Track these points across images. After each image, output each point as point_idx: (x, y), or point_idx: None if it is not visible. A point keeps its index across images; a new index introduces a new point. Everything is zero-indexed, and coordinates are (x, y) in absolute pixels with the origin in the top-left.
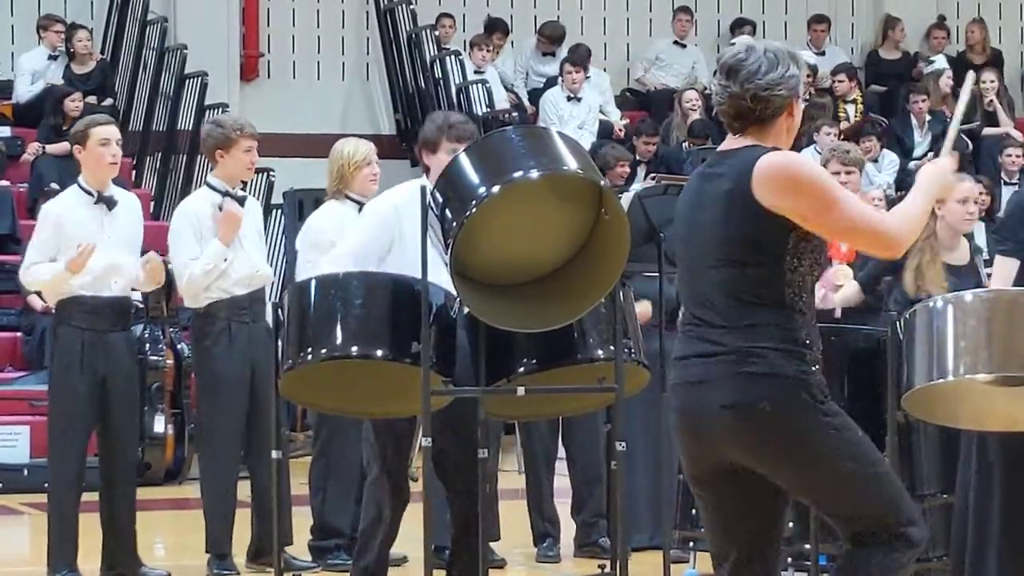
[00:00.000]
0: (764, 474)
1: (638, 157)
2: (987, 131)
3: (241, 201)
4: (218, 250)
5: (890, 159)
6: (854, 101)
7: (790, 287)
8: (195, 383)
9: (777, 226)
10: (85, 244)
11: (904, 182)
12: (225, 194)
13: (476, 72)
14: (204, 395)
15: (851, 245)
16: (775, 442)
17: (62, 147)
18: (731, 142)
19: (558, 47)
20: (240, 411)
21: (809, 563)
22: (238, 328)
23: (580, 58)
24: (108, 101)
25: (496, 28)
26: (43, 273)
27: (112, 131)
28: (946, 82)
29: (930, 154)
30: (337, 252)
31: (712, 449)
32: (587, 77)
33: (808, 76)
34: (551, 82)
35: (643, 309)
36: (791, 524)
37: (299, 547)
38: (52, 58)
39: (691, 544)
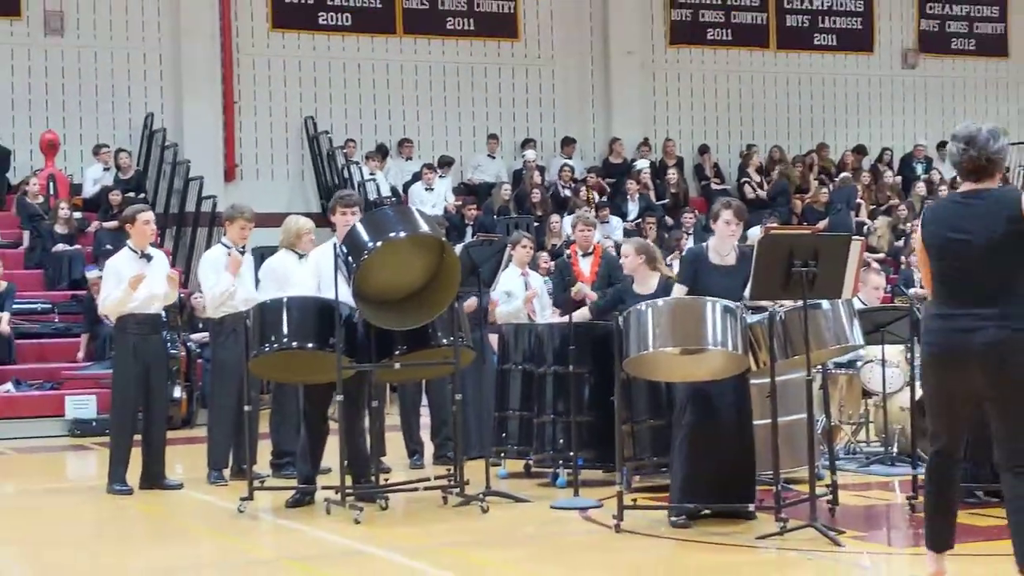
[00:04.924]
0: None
1: (467, 222)
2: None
3: (242, 252)
4: (227, 280)
5: (616, 220)
6: (598, 189)
7: None
8: (211, 365)
9: None
10: (139, 272)
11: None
12: (231, 248)
13: (370, 175)
14: (216, 373)
15: None
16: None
17: (112, 224)
18: (973, 186)
19: (415, 151)
20: (238, 383)
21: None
22: (241, 332)
23: (439, 164)
24: (142, 195)
25: (380, 151)
26: (116, 293)
27: (151, 215)
28: (645, 176)
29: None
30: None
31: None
32: (441, 177)
33: (568, 172)
34: (416, 177)
35: (470, 303)
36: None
37: (263, 465)
38: (106, 170)
39: (502, 455)
